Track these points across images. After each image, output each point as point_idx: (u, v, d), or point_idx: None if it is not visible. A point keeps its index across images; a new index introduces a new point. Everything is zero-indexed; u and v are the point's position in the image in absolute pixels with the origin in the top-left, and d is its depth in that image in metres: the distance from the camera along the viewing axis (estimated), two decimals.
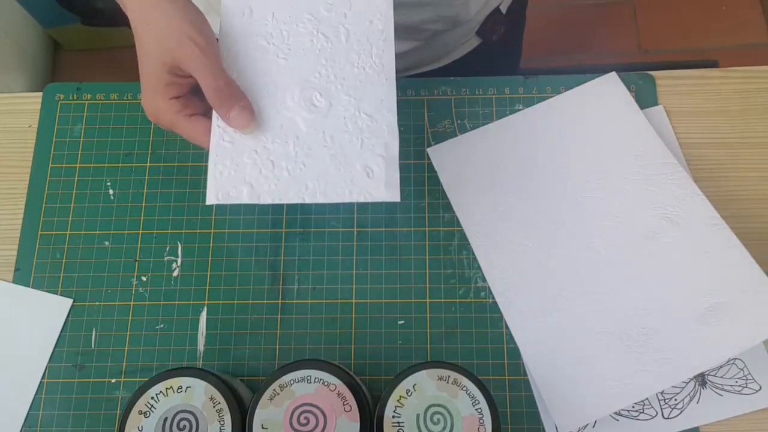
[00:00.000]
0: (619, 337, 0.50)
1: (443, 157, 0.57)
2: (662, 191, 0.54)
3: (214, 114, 0.47)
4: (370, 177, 0.46)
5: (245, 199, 0.46)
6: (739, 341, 0.49)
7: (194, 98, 0.46)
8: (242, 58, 0.49)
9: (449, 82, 0.59)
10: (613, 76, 0.58)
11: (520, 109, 0.58)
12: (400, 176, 0.47)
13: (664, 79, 0.59)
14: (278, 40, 0.50)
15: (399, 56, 0.68)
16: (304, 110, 0.48)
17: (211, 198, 0.46)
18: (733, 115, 0.58)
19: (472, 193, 0.55)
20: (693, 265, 0.51)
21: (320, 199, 0.46)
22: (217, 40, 0.47)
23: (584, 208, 0.54)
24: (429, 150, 0.57)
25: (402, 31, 0.65)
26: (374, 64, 0.48)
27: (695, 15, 1.41)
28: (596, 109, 0.57)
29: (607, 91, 0.58)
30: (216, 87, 0.43)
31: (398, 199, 0.46)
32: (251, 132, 0.45)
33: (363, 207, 0.56)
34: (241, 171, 0.46)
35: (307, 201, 0.46)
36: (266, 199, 0.46)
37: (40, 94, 0.60)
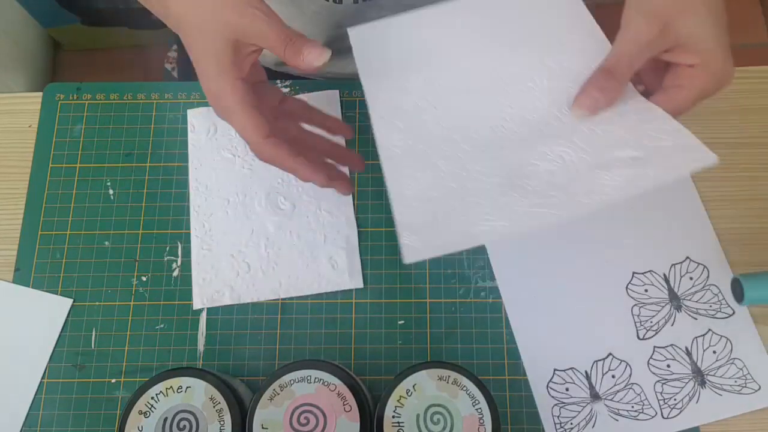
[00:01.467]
0: (510, 185, 0.44)
1: (367, 42, 0.50)
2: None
3: (192, 226, 0.53)
4: (335, 269, 0.53)
5: (227, 301, 0.53)
6: (638, 183, 0.42)
7: (261, 95, 0.46)
8: (211, 170, 0.56)
9: None
10: None
11: None
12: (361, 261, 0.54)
13: None
14: (242, 152, 0.57)
15: None
16: (272, 213, 0.55)
17: (198, 303, 0.53)
18: (733, 115, 0.58)
19: (392, 86, 0.49)
20: (603, 131, 0.44)
21: (293, 294, 0.53)
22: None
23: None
24: (349, 30, 0.50)
25: None
26: None
27: None
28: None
29: None
30: (285, 37, 0.43)
31: (361, 286, 0.53)
32: (327, 60, 0.45)
33: (363, 207, 0.56)
34: (221, 275, 0.53)
35: (282, 296, 0.53)
36: (246, 299, 0.53)
37: (40, 94, 0.60)
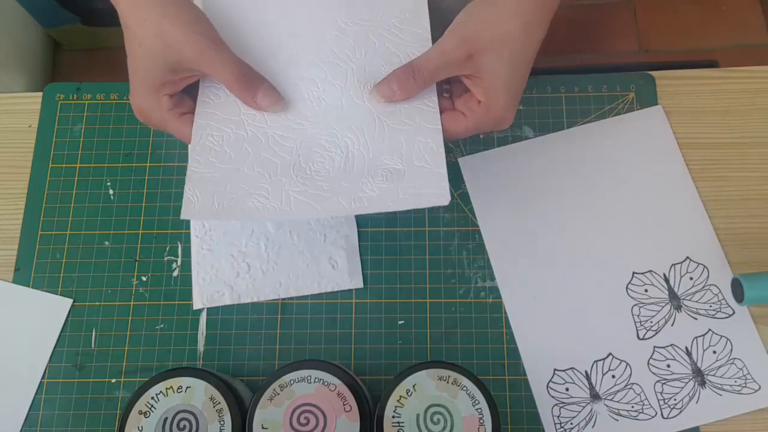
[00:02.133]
0: (295, 164, 0.45)
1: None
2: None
3: (192, 226, 0.53)
4: (335, 268, 0.53)
5: (227, 301, 0.52)
6: (391, 202, 0.44)
7: (185, 97, 0.46)
8: None
9: None
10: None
11: (520, 109, 0.58)
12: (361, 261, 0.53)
13: (664, 79, 0.59)
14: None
15: None
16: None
17: (198, 303, 0.53)
18: (733, 115, 0.58)
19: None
20: (389, 130, 0.46)
21: (293, 294, 0.53)
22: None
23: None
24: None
25: None
26: None
27: (695, 15, 1.41)
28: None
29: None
30: (237, 73, 0.43)
31: (361, 286, 0.53)
32: (281, 110, 0.46)
33: None
34: (221, 275, 0.53)
35: (282, 296, 0.53)
36: (246, 299, 0.52)
37: (40, 94, 0.60)
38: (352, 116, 0.46)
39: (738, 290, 0.51)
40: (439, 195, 0.43)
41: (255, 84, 0.44)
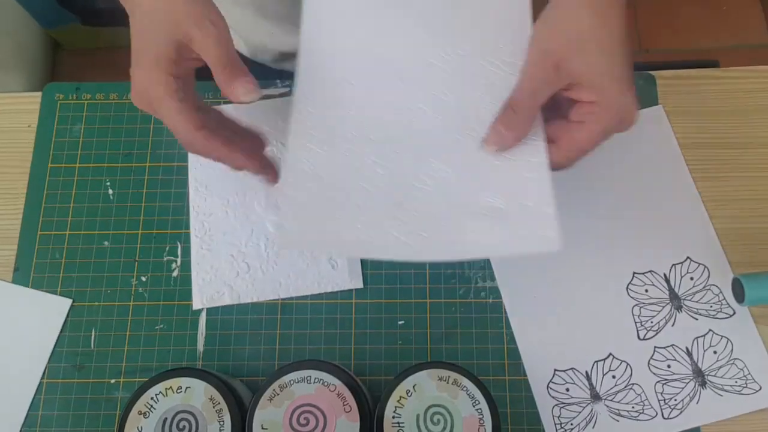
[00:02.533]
0: (390, 196, 0.44)
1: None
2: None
3: (192, 226, 0.53)
4: (335, 269, 0.53)
5: (227, 301, 0.53)
6: (494, 247, 0.43)
7: (190, 90, 0.45)
8: (210, 170, 0.55)
9: None
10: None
11: None
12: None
13: (664, 78, 0.59)
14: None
15: None
16: (270, 213, 0.54)
17: (197, 303, 0.53)
18: (734, 115, 0.58)
19: None
20: (490, 165, 0.45)
21: (293, 294, 0.53)
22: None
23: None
24: None
25: None
26: None
27: (696, 15, 1.42)
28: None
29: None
30: (227, 61, 0.43)
31: (361, 286, 0.53)
32: (254, 100, 0.45)
33: None
34: (220, 275, 0.53)
35: (282, 296, 0.53)
36: (246, 299, 0.53)
37: (40, 93, 0.60)
38: (448, 146, 0.44)
39: (738, 290, 0.51)
40: (548, 239, 0.40)
41: (236, 73, 0.44)
